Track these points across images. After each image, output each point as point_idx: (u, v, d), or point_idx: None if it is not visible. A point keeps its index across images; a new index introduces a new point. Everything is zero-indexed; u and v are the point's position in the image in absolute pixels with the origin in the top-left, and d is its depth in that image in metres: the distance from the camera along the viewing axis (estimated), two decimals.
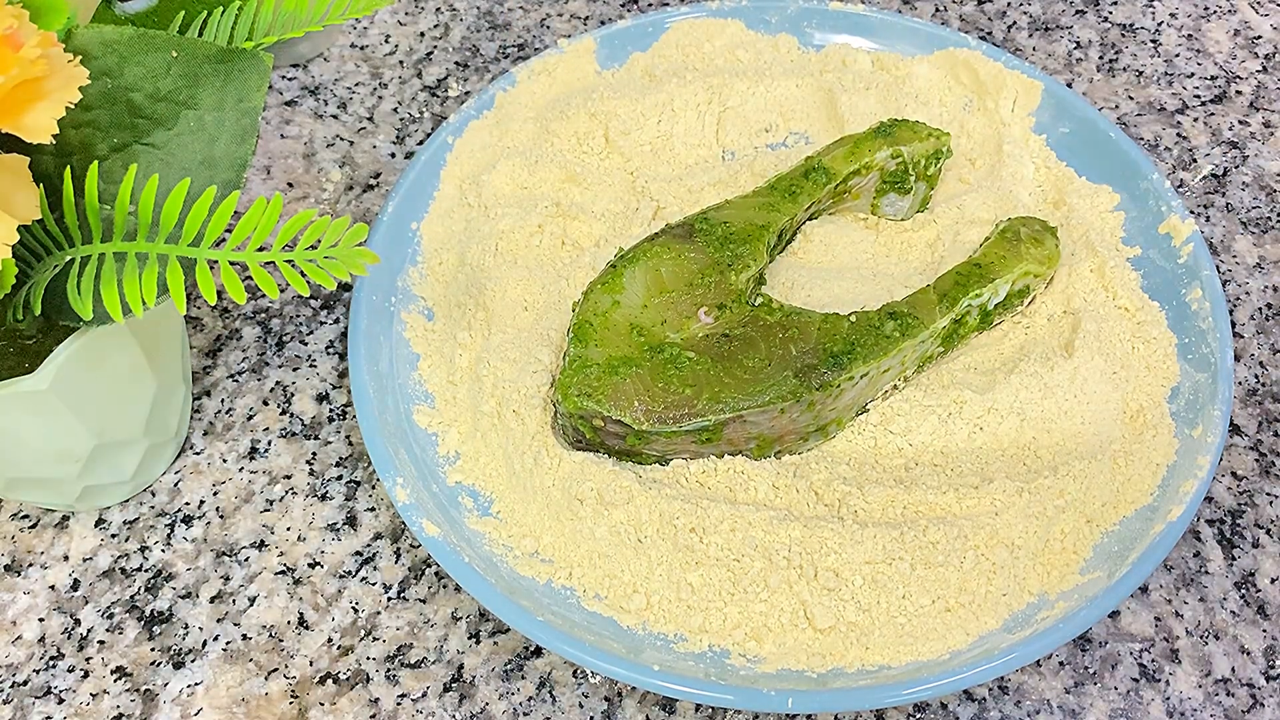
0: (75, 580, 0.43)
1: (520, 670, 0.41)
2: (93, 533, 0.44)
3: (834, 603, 0.39)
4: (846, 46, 0.56)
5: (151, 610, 0.42)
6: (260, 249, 0.33)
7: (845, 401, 0.43)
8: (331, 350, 0.49)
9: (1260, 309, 0.51)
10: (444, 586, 0.43)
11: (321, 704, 0.40)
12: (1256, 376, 0.49)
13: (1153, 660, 0.41)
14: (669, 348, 0.43)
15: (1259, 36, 0.61)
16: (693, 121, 0.54)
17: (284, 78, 0.59)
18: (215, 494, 0.45)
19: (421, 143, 0.56)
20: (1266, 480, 0.46)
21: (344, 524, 0.44)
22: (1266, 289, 0.51)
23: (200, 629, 0.42)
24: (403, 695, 0.40)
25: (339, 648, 0.41)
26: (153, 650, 0.41)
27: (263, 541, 0.44)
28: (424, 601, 0.43)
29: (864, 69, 0.55)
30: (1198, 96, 0.59)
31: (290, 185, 0.55)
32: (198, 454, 0.46)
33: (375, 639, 0.42)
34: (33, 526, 0.44)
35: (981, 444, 0.43)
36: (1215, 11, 0.63)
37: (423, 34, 0.61)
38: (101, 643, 0.42)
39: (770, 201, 0.48)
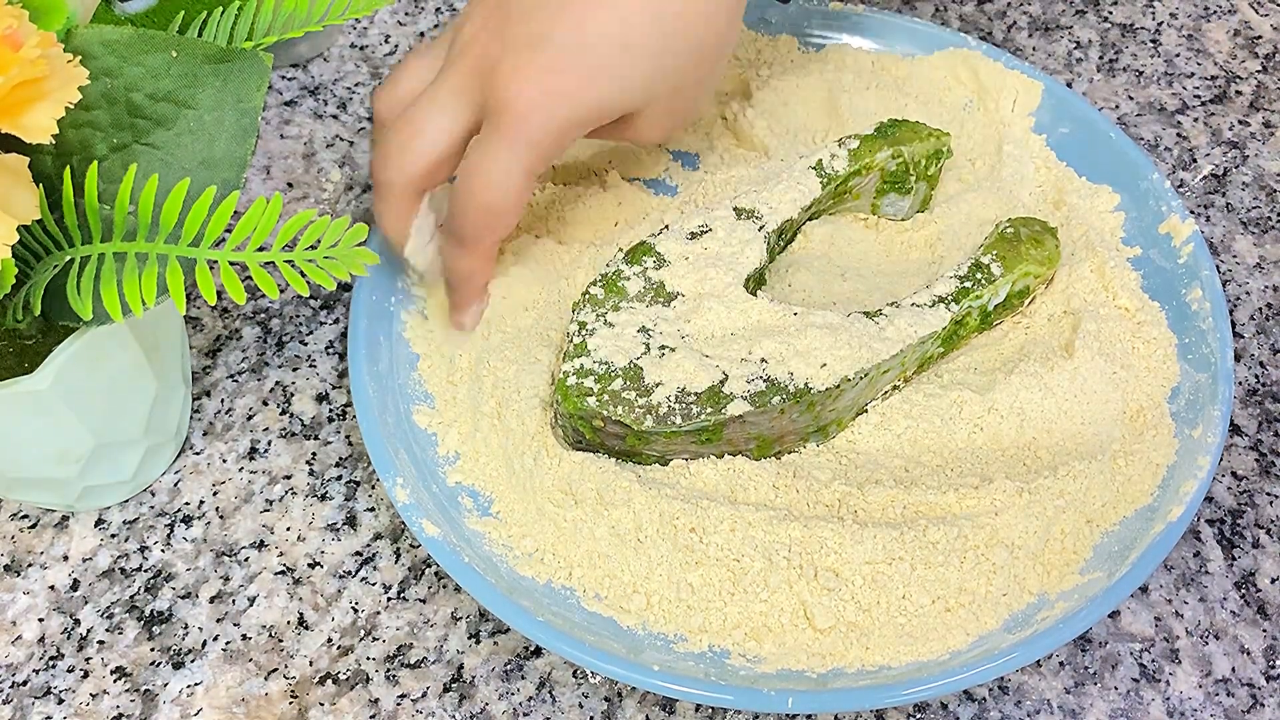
0: (75, 580, 0.43)
1: (520, 670, 0.41)
2: (92, 533, 0.44)
3: (834, 603, 0.39)
4: (846, 46, 0.56)
5: (151, 610, 0.42)
6: (260, 249, 0.33)
7: (845, 402, 0.43)
8: (331, 350, 0.49)
9: (1260, 309, 0.51)
10: (444, 586, 0.43)
11: (321, 704, 0.40)
12: (1256, 376, 0.49)
13: (1153, 660, 0.41)
14: None
15: (1259, 36, 0.61)
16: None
17: (284, 78, 0.59)
18: (215, 494, 0.45)
19: None
20: (1266, 480, 0.46)
21: (344, 524, 0.44)
22: (1266, 289, 0.51)
23: (200, 629, 0.42)
24: (403, 695, 0.40)
25: (339, 648, 0.41)
26: (152, 650, 0.41)
27: (262, 541, 0.44)
28: (424, 601, 0.43)
29: (864, 69, 0.55)
30: (1198, 96, 0.59)
31: (290, 185, 0.55)
32: (198, 454, 0.46)
33: (375, 639, 0.42)
34: (33, 526, 0.44)
35: (981, 444, 0.43)
36: (1215, 11, 0.63)
37: (423, 34, 0.61)
38: (101, 643, 0.42)
39: None
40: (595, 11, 0.39)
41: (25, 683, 0.41)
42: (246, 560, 0.43)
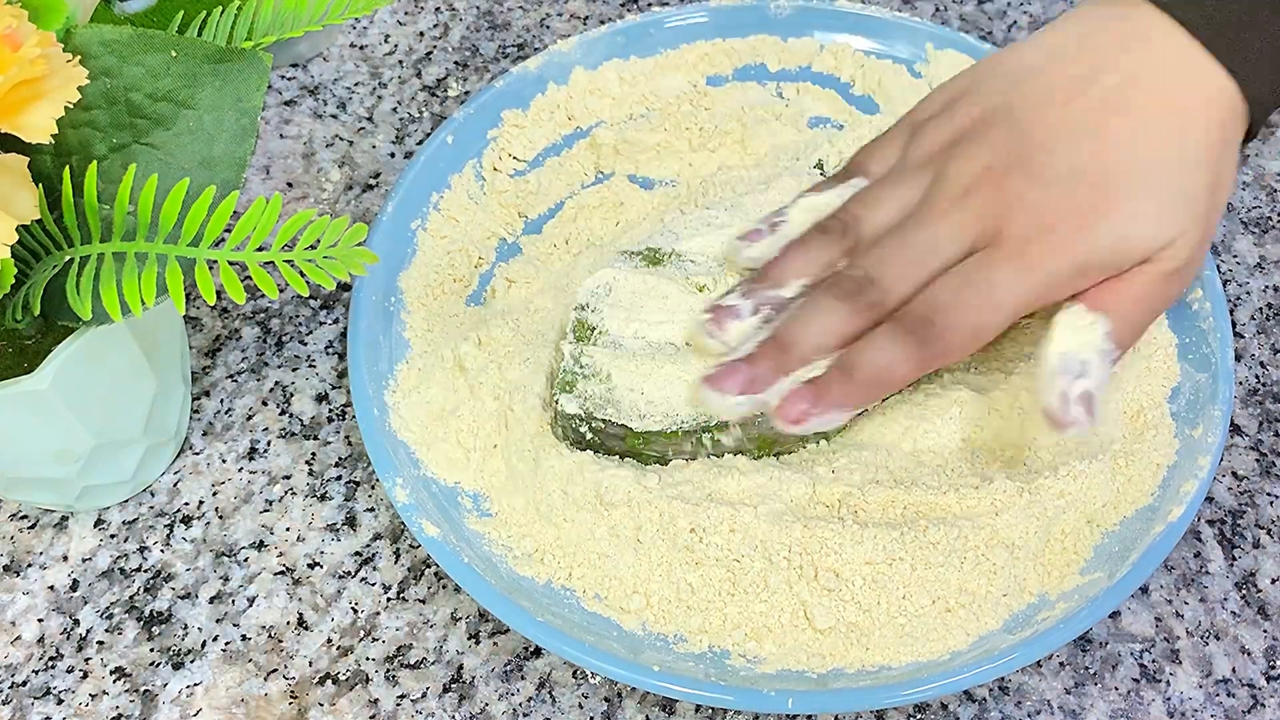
0: (74, 580, 0.43)
1: (520, 670, 0.41)
2: (92, 533, 0.44)
3: (834, 603, 0.39)
4: (847, 46, 0.56)
5: (151, 610, 0.42)
6: (259, 249, 0.33)
7: None
8: (331, 350, 0.49)
9: (1260, 309, 0.51)
10: (444, 587, 0.43)
11: (321, 704, 0.40)
12: (1257, 376, 0.49)
13: (1153, 660, 0.41)
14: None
15: None
16: (695, 130, 0.54)
17: (283, 77, 0.59)
18: (214, 494, 0.45)
19: (421, 143, 0.56)
20: (1267, 480, 0.46)
21: (343, 524, 0.44)
22: (1267, 289, 0.51)
23: (200, 629, 0.42)
24: (402, 696, 0.40)
25: (338, 648, 0.41)
26: (152, 651, 0.41)
27: (262, 542, 0.44)
28: (424, 602, 0.43)
29: (866, 71, 0.56)
30: None
31: (289, 185, 0.55)
32: (197, 454, 0.46)
33: (375, 639, 0.42)
34: (32, 527, 0.44)
35: (982, 444, 0.43)
36: None
37: (422, 34, 0.61)
38: (101, 643, 0.42)
39: None
40: (1135, 137, 0.38)
41: (25, 683, 0.41)
42: (246, 560, 0.43)
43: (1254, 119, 0.40)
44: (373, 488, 0.45)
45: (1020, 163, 0.39)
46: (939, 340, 0.38)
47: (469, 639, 0.42)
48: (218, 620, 0.42)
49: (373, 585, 0.43)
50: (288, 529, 0.44)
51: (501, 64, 0.60)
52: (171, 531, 0.44)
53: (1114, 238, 0.38)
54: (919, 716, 0.40)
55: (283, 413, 0.47)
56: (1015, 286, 0.38)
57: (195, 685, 0.41)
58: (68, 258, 0.35)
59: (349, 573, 0.43)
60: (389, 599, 0.43)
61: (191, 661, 0.41)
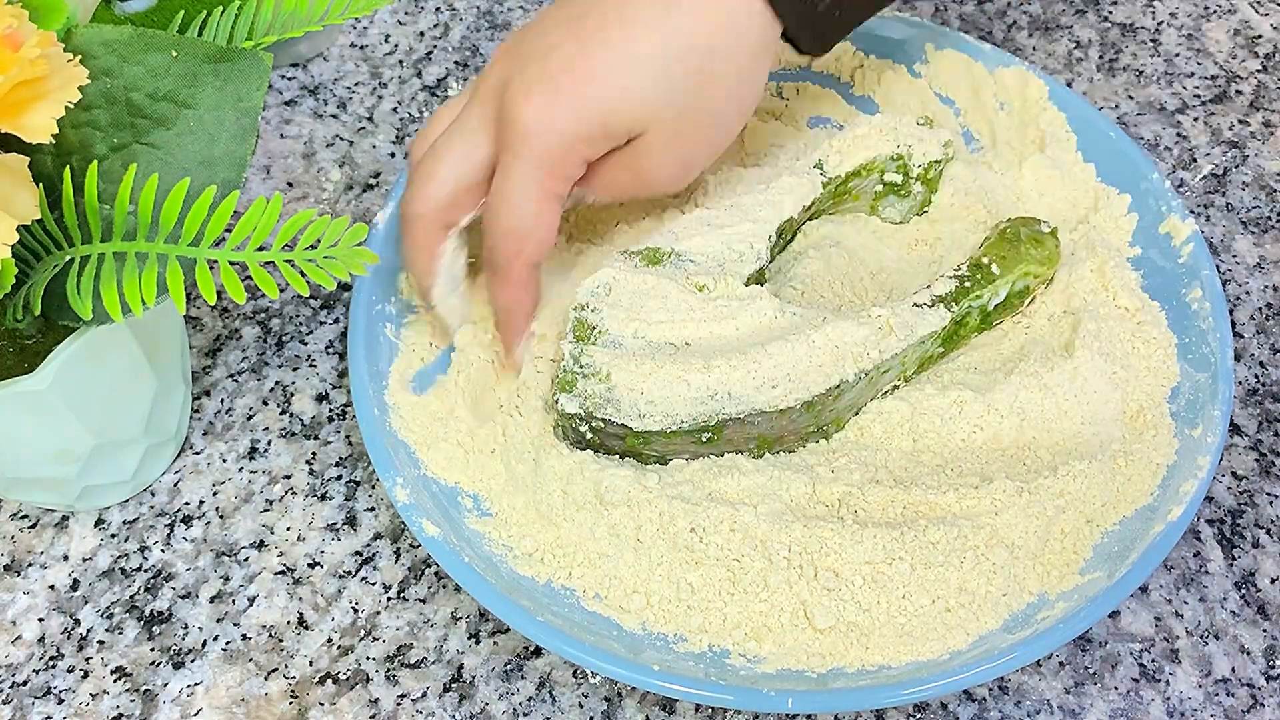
0: (75, 580, 0.43)
1: (520, 670, 0.41)
2: (92, 533, 0.44)
3: (834, 603, 0.39)
4: (847, 46, 0.56)
5: (151, 610, 0.42)
6: (260, 249, 0.33)
7: (845, 402, 0.43)
8: (331, 350, 0.49)
9: (1260, 309, 0.51)
10: (444, 586, 0.43)
11: (321, 704, 0.40)
12: (1256, 376, 0.49)
13: (1153, 660, 0.41)
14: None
15: (1259, 36, 0.61)
16: None
17: (283, 77, 0.59)
18: (215, 494, 0.45)
19: None
20: (1266, 480, 0.46)
21: (344, 524, 0.44)
22: (1266, 289, 0.51)
23: (200, 629, 0.42)
24: (403, 695, 0.40)
25: (339, 648, 0.41)
26: (152, 650, 0.41)
27: (262, 541, 0.44)
28: (424, 601, 0.43)
29: (866, 71, 0.55)
30: (1198, 96, 0.59)
31: (290, 185, 0.55)
32: (197, 454, 0.46)
33: (375, 639, 0.42)
34: (32, 526, 0.44)
35: (981, 444, 0.43)
36: (1215, 11, 0.63)
37: (422, 33, 0.61)
38: (101, 643, 0.42)
39: None
40: (603, 29, 0.40)
41: (25, 683, 0.41)
42: (246, 560, 0.43)
43: (788, 23, 0.41)
44: (373, 487, 0.45)
45: (514, 51, 0.41)
46: (494, 258, 0.42)
47: (469, 638, 0.42)
48: (218, 620, 0.42)
49: (373, 585, 0.43)
50: (288, 529, 0.44)
51: None
52: (172, 531, 0.44)
53: (597, 109, 0.39)
54: (919, 716, 0.40)
55: (283, 412, 0.47)
56: (525, 182, 0.40)
57: (195, 685, 0.41)
58: (68, 258, 0.35)
59: (349, 572, 0.43)
60: (389, 599, 0.43)
61: (192, 661, 0.41)
